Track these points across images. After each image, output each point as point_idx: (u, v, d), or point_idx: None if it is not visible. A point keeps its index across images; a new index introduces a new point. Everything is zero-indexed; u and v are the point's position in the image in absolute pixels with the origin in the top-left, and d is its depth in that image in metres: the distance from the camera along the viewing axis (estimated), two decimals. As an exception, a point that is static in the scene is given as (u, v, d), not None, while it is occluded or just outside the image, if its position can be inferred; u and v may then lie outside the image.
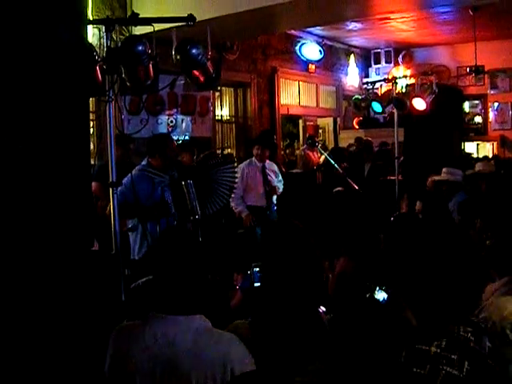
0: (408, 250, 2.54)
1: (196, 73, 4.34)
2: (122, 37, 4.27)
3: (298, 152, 13.58)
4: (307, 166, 11.32)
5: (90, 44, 4.44)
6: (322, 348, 2.73)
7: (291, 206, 8.76)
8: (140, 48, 3.98)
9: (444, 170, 7.02)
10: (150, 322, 2.48)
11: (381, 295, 2.95)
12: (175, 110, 9.90)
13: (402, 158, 9.01)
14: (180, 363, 2.38)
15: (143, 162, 5.91)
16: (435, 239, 2.54)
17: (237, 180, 6.33)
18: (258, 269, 3.47)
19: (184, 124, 10.07)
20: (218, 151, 11.46)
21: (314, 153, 11.38)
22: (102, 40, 4.49)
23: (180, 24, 4.30)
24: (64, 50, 3.52)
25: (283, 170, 10.40)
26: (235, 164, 6.44)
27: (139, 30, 4.93)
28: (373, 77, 14.81)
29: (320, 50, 13.51)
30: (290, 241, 2.96)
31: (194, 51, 4.20)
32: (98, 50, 4.41)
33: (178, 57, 4.25)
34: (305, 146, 11.98)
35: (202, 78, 4.39)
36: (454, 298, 2.39)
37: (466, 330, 2.35)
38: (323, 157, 10.89)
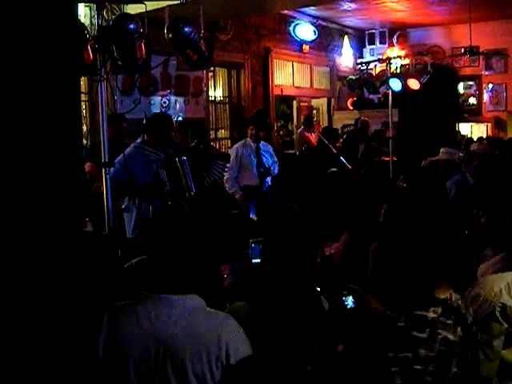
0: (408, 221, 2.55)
1: (188, 52, 4.30)
2: (113, 16, 4.23)
3: (295, 133, 13.58)
4: (308, 147, 11.30)
5: (82, 23, 4.40)
6: (321, 330, 2.73)
7: (286, 186, 8.75)
8: (132, 26, 3.94)
9: (442, 149, 7.04)
10: (144, 302, 2.47)
11: (349, 301, 2.95)
12: (168, 91, 9.85)
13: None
14: (174, 343, 2.37)
15: (138, 140, 5.89)
16: (429, 212, 2.56)
17: (225, 175, 6.62)
18: (256, 245, 3.48)
19: (177, 105, 10.02)
20: (212, 132, 11.42)
21: (312, 133, 11.35)
22: (93, 20, 4.45)
23: (172, 3, 4.25)
24: (54, 28, 3.47)
25: (277, 150, 10.37)
26: (227, 164, 6.53)
27: (131, 10, 4.88)
28: (367, 57, 14.73)
29: (314, 31, 13.43)
30: (287, 225, 2.97)
31: (186, 29, 4.16)
32: (89, 29, 4.36)
33: (171, 35, 4.21)
34: (302, 126, 11.95)
35: (194, 57, 4.35)
36: (443, 269, 2.45)
37: (457, 298, 2.50)
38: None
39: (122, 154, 5.03)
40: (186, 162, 5.51)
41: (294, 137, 13.72)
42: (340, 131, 13.01)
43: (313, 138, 11.40)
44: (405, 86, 8.25)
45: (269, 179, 8.40)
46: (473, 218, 3.43)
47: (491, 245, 3.31)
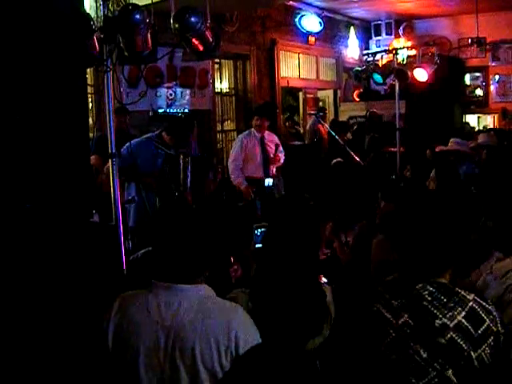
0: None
1: (195, 41, 4.28)
2: (118, 8, 4.22)
3: (301, 125, 13.55)
4: (320, 138, 11.29)
5: (87, 13, 4.39)
6: (323, 318, 2.72)
7: (294, 177, 8.76)
8: (138, 16, 3.93)
9: (452, 140, 7.06)
10: (154, 291, 2.47)
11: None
12: (174, 83, 9.82)
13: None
14: (184, 332, 2.37)
15: (155, 133, 5.91)
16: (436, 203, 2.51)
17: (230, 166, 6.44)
18: (260, 230, 3.49)
19: (183, 96, 10.01)
20: (218, 123, 11.39)
21: (325, 125, 11.35)
22: (99, 12, 4.44)
23: (178, -8, 4.23)
24: (60, 19, 3.46)
25: (284, 142, 10.37)
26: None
27: (137, 1, 4.86)
28: (373, 49, 14.65)
29: (320, 22, 13.35)
30: (288, 211, 2.97)
31: (192, 19, 4.14)
32: (94, 21, 4.35)
33: (177, 25, 4.19)
34: (314, 118, 11.91)
35: (200, 47, 4.33)
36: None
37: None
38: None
39: (133, 140, 5.12)
40: (189, 163, 5.56)
41: (300, 128, 13.70)
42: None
43: (324, 130, 11.38)
44: (411, 77, 8.21)
45: (274, 169, 8.41)
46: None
47: (499, 249, 3.27)
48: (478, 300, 2.36)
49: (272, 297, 2.70)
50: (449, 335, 2.26)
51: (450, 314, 2.29)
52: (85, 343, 3.20)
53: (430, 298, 2.31)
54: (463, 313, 2.29)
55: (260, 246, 3.29)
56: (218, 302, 2.50)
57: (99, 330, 2.53)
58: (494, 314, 2.36)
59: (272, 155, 8.33)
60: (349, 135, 11.23)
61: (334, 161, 9.11)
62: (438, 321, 2.27)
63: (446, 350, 2.25)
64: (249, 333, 2.44)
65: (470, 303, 2.33)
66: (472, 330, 2.28)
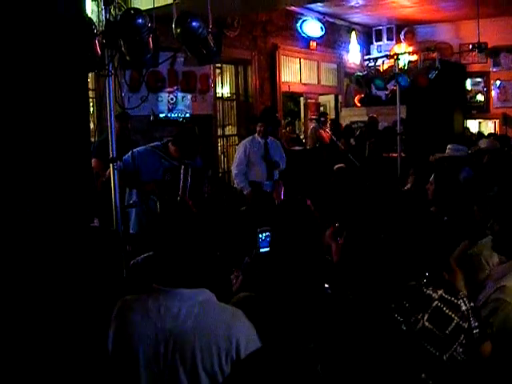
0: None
1: (196, 46, 4.28)
2: (120, 13, 4.22)
3: (302, 130, 13.57)
4: (321, 144, 11.32)
5: (89, 17, 4.39)
6: (325, 321, 2.72)
7: (295, 182, 8.77)
8: (140, 21, 3.92)
9: (449, 146, 7.05)
10: (154, 296, 2.46)
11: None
12: (176, 88, 9.84)
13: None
14: (184, 336, 2.36)
15: (162, 142, 5.88)
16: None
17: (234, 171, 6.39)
18: (264, 234, 3.49)
19: (185, 101, 10.02)
20: (219, 129, 11.39)
21: (327, 130, 11.36)
22: (100, 16, 4.44)
23: (180, -3, 4.24)
24: (62, 23, 3.46)
25: (286, 147, 10.39)
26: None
27: (139, 7, 4.87)
28: (374, 54, 14.66)
29: (321, 27, 13.39)
30: (296, 216, 2.98)
31: (194, 24, 4.14)
32: (96, 25, 4.36)
33: (179, 30, 4.19)
34: (315, 124, 11.93)
35: (202, 52, 4.33)
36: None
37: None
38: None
39: (138, 148, 5.20)
40: (189, 174, 5.56)
41: (301, 134, 13.72)
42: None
43: (326, 135, 11.40)
44: (412, 83, 8.24)
45: (276, 173, 8.43)
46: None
47: (502, 252, 3.26)
48: (445, 297, 2.34)
49: (278, 300, 2.70)
50: (415, 340, 2.26)
51: (414, 318, 2.28)
52: (85, 347, 3.19)
53: (393, 305, 2.31)
54: (426, 315, 2.28)
55: (265, 250, 3.30)
56: (218, 306, 2.49)
57: (99, 334, 2.52)
58: (464, 308, 2.34)
59: (274, 160, 8.36)
60: (352, 140, 11.26)
61: (337, 166, 9.12)
62: (403, 326, 2.27)
63: (416, 356, 2.25)
64: (249, 337, 2.43)
65: (435, 303, 2.31)
66: (438, 331, 2.27)
